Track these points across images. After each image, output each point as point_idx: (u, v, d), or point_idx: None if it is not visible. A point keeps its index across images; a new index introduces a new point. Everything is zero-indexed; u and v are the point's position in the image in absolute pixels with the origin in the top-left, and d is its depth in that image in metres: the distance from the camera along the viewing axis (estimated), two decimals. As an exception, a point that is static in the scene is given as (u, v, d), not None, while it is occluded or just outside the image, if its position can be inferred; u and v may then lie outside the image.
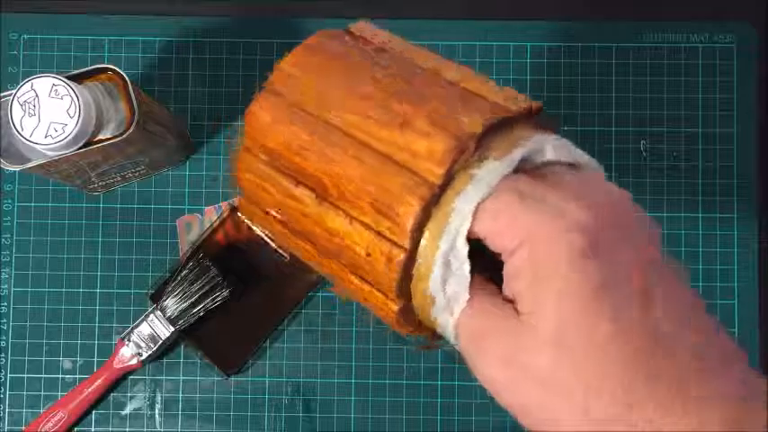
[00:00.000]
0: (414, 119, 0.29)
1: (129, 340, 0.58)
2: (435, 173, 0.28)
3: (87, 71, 0.49)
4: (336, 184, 0.30)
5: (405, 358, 0.60)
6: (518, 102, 0.30)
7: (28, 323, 0.61)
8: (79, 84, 0.48)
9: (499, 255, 0.29)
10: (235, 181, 0.34)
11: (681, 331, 0.27)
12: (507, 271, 0.29)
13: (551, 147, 0.30)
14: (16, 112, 0.47)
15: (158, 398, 0.60)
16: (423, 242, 0.29)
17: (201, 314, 0.57)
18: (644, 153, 0.62)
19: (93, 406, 0.59)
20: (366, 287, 0.31)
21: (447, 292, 0.29)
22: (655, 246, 0.29)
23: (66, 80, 0.47)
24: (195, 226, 0.62)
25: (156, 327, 0.58)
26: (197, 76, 0.62)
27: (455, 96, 0.30)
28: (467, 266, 0.29)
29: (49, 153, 0.48)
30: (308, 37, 0.34)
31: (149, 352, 0.58)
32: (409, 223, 0.28)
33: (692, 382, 0.26)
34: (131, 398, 0.60)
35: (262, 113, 0.32)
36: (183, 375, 0.60)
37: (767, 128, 0.62)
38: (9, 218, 0.61)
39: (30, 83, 0.47)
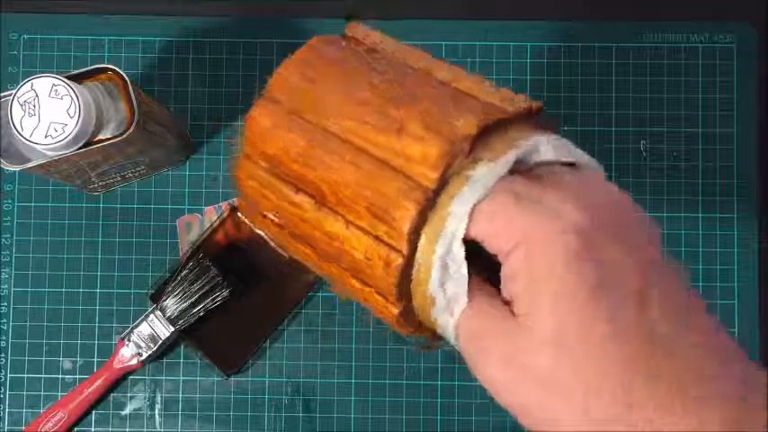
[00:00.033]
0: (408, 123, 0.29)
1: (129, 340, 0.58)
2: (429, 177, 0.28)
3: (87, 71, 0.49)
4: (334, 190, 0.30)
5: (405, 358, 0.60)
6: (515, 102, 0.30)
7: (28, 323, 0.61)
8: (79, 84, 0.48)
9: (496, 256, 0.29)
10: (236, 184, 0.34)
11: (679, 331, 0.27)
12: (504, 272, 0.29)
13: (549, 147, 0.30)
14: (16, 112, 0.47)
15: (158, 398, 0.60)
16: (420, 245, 0.29)
17: (201, 314, 0.57)
18: (644, 153, 0.62)
19: (93, 406, 0.59)
20: (366, 289, 0.31)
21: (446, 293, 0.29)
22: (655, 246, 0.29)
23: (66, 80, 0.47)
24: (195, 226, 0.62)
25: (156, 327, 0.58)
26: (197, 76, 0.62)
27: (448, 98, 0.30)
28: (464, 269, 0.29)
29: (49, 153, 0.48)
30: (306, 41, 0.34)
31: (149, 352, 0.58)
32: (405, 227, 0.28)
33: (691, 382, 0.26)
34: (131, 398, 0.60)
35: (261, 120, 0.32)
36: (183, 375, 0.60)
37: (767, 128, 0.62)
38: (9, 218, 0.61)
39: (30, 83, 0.47)
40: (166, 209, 0.62)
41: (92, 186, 0.59)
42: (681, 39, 0.63)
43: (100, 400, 0.59)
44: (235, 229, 0.60)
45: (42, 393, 0.60)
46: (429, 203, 0.28)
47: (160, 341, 0.58)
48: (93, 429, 0.60)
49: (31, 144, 0.47)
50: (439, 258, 0.29)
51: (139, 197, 0.62)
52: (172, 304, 0.57)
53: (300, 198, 0.31)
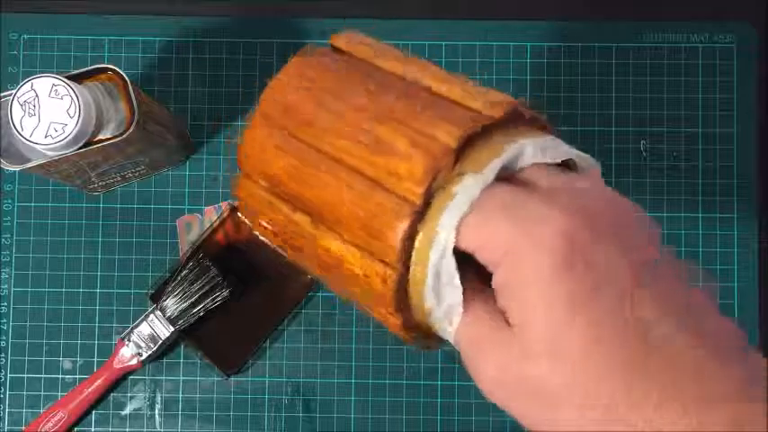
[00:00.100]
0: (395, 141, 0.30)
1: (129, 340, 0.58)
2: (416, 192, 0.29)
3: (87, 71, 0.49)
4: (330, 209, 0.31)
5: (405, 358, 0.60)
6: (501, 106, 0.30)
7: (28, 323, 0.61)
8: (79, 84, 0.48)
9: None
10: (236, 200, 0.35)
11: (679, 331, 0.27)
12: (495, 283, 0.29)
13: (537, 150, 0.30)
14: (16, 112, 0.47)
15: (158, 398, 0.60)
16: (413, 260, 0.29)
17: (201, 314, 0.57)
18: (644, 153, 0.62)
19: (93, 406, 0.59)
20: (367, 302, 0.32)
21: (442, 305, 0.30)
22: (655, 246, 0.29)
23: (66, 80, 0.47)
24: (195, 226, 0.62)
25: (156, 327, 0.58)
26: (197, 76, 0.62)
27: (432, 108, 0.30)
28: (457, 280, 0.29)
29: (49, 153, 0.48)
30: (306, 42, 0.34)
31: (149, 352, 0.58)
32: (396, 244, 0.29)
33: (691, 382, 0.26)
34: (131, 398, 0.60)
35: (257, 142, 0.33)
36: (183, 375, 0.60)
37: (767, 128, 0.62)
38: (9, 218, 0.61)
39: (30, 83, 0.47)
40: (166, 209, 0.62)
41: (92, 186, 0.59)
42: (681, 39, 0.63)
43: (100, 400, 0.59)
44: (235, 229, 0.60)
45: (42, 393, 0.60)
46: (418, 218, 0.29)
47: (160, 341, 0.58)
48: (93, 429, 0.60)
49: (31, 144, 0.47)
50: (432, 272, 0.29)
51: (139, 197, 0.62)
52: (172, 304, 0.57)
53: (299, 217, 0.32)
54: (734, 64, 0.62)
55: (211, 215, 0.61)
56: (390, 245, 0.29)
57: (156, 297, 0.59)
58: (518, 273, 0.27)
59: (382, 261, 0.30)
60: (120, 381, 0.60)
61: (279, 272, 0.60)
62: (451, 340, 0.31)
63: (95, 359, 0.60)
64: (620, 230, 0.28)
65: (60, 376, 0.60)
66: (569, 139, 0.31)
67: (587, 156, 0.31)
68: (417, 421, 0.60)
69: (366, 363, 0.60)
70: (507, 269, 0.28)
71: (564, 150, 0.31)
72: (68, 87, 0.46)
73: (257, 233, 0.35)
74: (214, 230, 0.60)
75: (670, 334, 0.27)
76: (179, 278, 0.57)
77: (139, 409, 0.60)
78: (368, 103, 0.31)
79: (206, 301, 0.57)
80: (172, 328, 0.57)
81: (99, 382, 0.58)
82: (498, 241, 0.28)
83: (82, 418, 0.59)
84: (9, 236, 0.61)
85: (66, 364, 0.60)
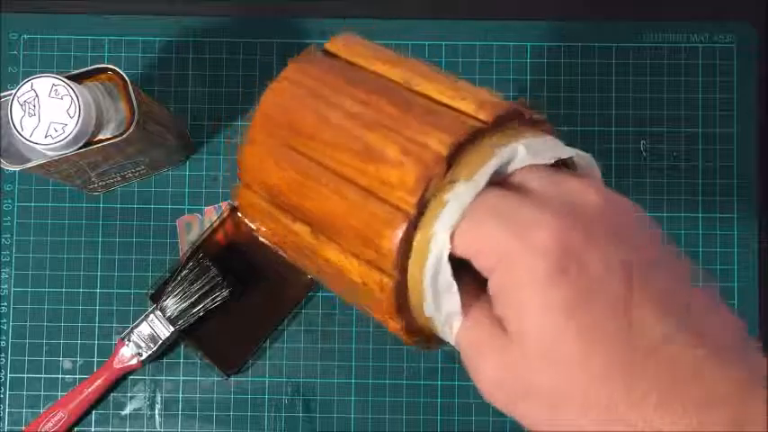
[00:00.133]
0: (386, 149, 0.30)
1: (129, 340, 0.58)
2: (409, 202, 0.29)
3: (87, 71, 0.49)
4: (328, 219, 0.31)
5: (405, 358, 0.60)
6: (492, 108, 0.30)
7: (28, 323, 0.61)
8: (79, 84, 0.48)
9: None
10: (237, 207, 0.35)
11: (679, 331, 0.27)
12: (491, 289, 0.29)
13: (529, 152, 0.29)
14: (16, 112, 0.47)
15: (158, 398, 0.60)
16: (410, 268, 0.29)
17: (201, 314, 0.57)
18: (644, 153, 0.62)
19: (93, 406, 0.59)
20: (368, 308, 0.32)
21: (442, 311, 0.30)
22: (655, 246, 0.29)
23: (66, 80, 0.47)
24: (195, 226, 0.62)
25: (156, 327, 0.58)
26: (197, 76, 0.62)
27: (424, 114, 0.30)
28: (454, 288, 0.29)
29: (49, 153, 0.48)
30: (307, 42, 0.34)
31: (149, 352, 0.58)
32: (392, 253, 0.29)
33: (691, 382, 0.26)
34: (131, 398, 0.60)
35: (255, 155, 0.33)
36: (183, 375, 0.60)
37: (767, 128, 0.62)
38: (9, 218, 0.61)
39: (30, 83, 0.47)
40: (166, 209, 0.62)
41: (92, 186, 0.59)
42: (681, 39, 0.63)
43: (100, 400, 0.59)
44: (235, 229, 0.60)
45: (42, 393, 0.60)
46: (412, 227, 0.29)
47: (160, 341, 0.58)
48: (93, 429, 0.60)
49: (31, 144, 0.47)
50: (429, 279, 0.29)
51: (139, 197, 0.62)
52: (172, 304, 0.57)
53: (299, 227, 0.32)
54: (734, 64, 0.62)
55: (211, 215, 0.61)
56: (385, 254, 0.29)
57: (156, 297, 0.59)
58: (512, 278, 0.27)
59: (379, 269, 0.30)
60: (120, 381, 0.60)
61: (279, 272, 0.60)
62: (452, 342, 0.31)
63: (95, 359, 0.60)
64: (620, 231, 0.28)
65: (60, 376, 0.60)
66: (569, 139, 0.31)
67: (586, 154, 0.31)
68: (417, 421, 0.60)
69: (366, 363, 0.60)
70: (502, 274, 0.28)
71: (560, 150, 0.30)
72: (68, 87, 0.46)
73: (258, 235, 0.35)
74: (214, 230, 0.60)
75: (670, 334, 0.27)
76: (179, 278, 0.57)
77: (139, 409, 0.60)
78: (360, 109, 0.31)
79: (206, 301, 0.57)
80: (172, 328, 0.57)
81: (99, 382, 0.58)
82: (492, 247, 0.28)
83: (82, 418, 0.59)
84: (9, 236, 0.61)
85: (66, 364, 0.60)
